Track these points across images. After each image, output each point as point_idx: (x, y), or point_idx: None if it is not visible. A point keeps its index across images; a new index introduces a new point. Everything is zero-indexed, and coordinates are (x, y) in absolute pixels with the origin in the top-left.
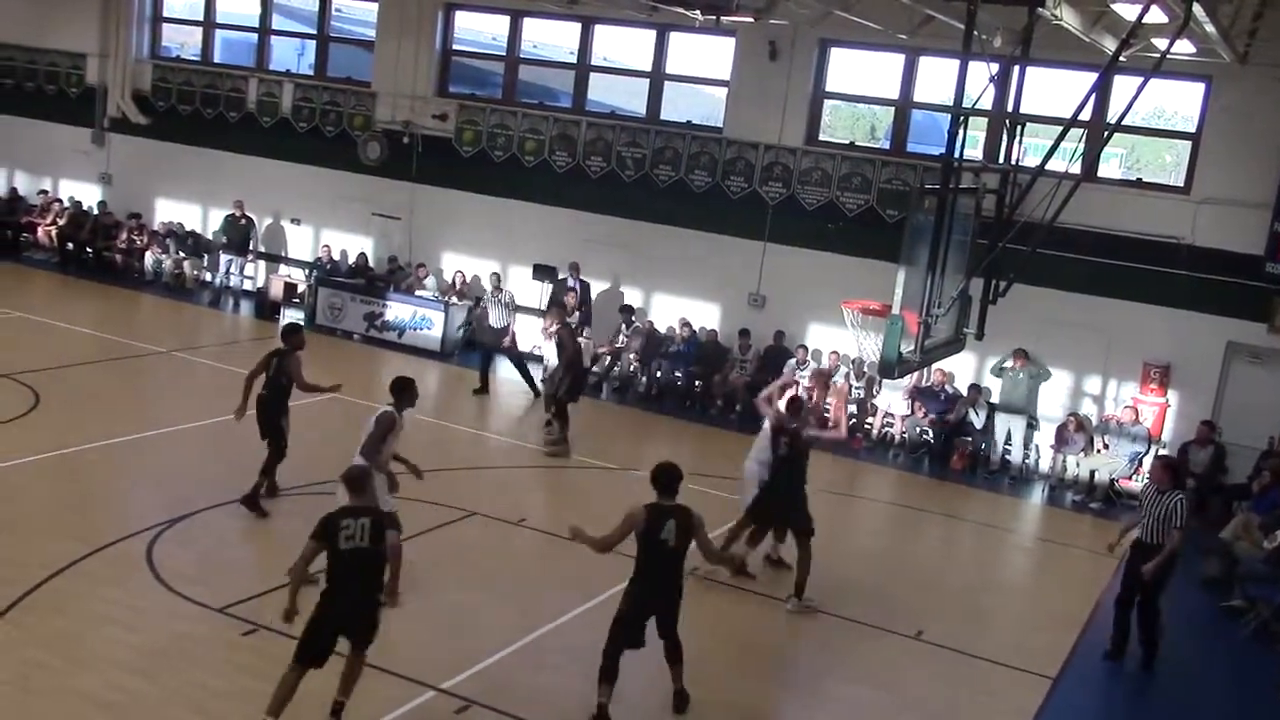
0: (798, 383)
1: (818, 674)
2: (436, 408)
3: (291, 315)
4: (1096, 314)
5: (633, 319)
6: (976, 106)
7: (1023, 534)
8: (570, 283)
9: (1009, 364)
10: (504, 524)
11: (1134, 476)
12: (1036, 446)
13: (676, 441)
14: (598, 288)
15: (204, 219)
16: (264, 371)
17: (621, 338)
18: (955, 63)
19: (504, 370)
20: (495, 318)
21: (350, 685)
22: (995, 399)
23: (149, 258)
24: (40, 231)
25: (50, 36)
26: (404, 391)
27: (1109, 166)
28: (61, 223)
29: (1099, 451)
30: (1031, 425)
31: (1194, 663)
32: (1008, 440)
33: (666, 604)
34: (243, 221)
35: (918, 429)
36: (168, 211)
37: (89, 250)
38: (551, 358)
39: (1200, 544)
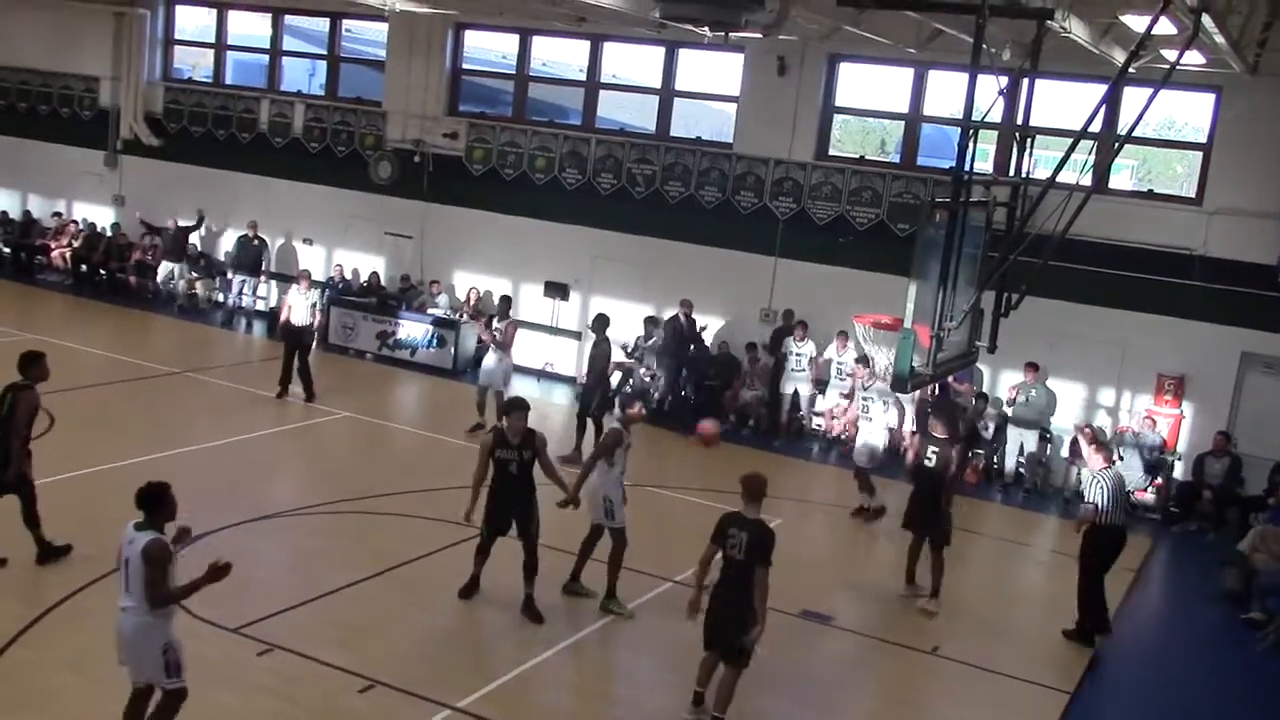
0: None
1: (832, 689)
2: (452, 425)
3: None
4: (1109, 326)
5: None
6: (986, 120)
7: (1038, 547)
8: (681, 319)
9: (1020, 383)
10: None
11: (1149, 489)
12: (1050, 459)
13: (688, 455)
14: (608, 305)
15: (216, 240)
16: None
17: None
18: (964, 76)
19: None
20: (299, 315)
21: (718, 699)
22: (1008, 409)
23: (162, 268)
24: (55, 253)
25: (63, 60)
26: (626, 409)
27: (1120, 178)
28: (76, 245)
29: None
30: (1045, 438)
31: (1213, 675)
32: (1020, 453)
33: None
34: (255, 242)
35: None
36: None
37: (102, 272)
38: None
39: (1219, 556)
